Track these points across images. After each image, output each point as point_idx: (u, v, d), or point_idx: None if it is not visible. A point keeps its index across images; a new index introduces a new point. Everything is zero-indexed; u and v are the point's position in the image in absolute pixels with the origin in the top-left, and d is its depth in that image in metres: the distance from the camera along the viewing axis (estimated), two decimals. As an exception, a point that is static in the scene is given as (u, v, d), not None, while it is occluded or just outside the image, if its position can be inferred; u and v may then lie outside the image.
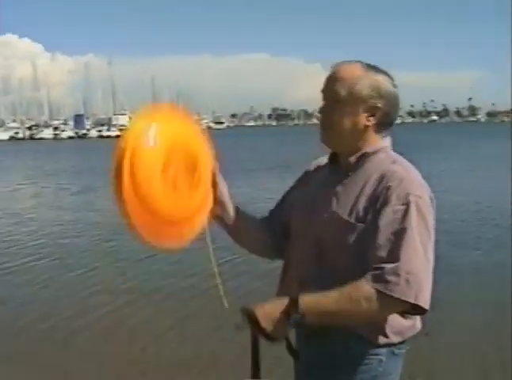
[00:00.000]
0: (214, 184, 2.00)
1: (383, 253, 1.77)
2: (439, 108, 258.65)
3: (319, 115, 2.01)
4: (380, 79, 1.95)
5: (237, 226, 2.09)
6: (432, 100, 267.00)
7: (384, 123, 1.98)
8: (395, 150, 2.05)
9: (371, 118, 1.95)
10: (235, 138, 69.00)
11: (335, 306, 1.76)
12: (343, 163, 2.00)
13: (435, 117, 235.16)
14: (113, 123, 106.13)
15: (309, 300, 1.76)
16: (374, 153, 1.96)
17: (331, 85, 1.95)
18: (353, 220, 1.87)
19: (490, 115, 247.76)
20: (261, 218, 2.19)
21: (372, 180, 1.89)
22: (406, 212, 1.79)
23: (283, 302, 1.77)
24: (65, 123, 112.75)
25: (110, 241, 10.52)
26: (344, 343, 1.89)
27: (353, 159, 1.97)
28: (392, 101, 1.97)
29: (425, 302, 1.76)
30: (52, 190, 20.62)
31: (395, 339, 1.91)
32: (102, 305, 6.82)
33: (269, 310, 1.78)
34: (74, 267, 8.72)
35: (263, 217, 2.20)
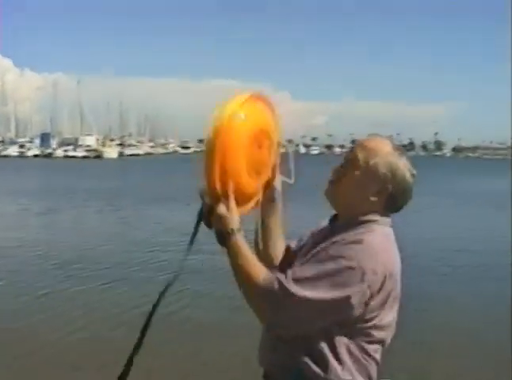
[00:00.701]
0: (273, 178, 2.12)
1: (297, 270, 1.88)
2: (405, 142, 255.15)
3: (333, 168, 2.05)
4: (401, 164, 1.97)
5: (270, 227, 2.18)
6: (398, 134, 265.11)
7: (389, 207, 1.99)
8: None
9: (377, 196, 1.97)
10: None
11: (244, 258, 1.88)
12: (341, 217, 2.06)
13: None
14: (80, 143, 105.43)
15: (241, 240, 1.90)
16: (365, 223, 1.97)
17: (355, 150, 1.99)
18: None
19: (455, 150, 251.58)
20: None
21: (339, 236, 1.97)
22: (328, 257, 1.85)
23: (234, 219, 1.90)
24: (31, 141, 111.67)
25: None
26: None
27: (340, 222, 2.02)
28: (403, 189, 1.98)
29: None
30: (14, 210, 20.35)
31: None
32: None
33: (221, 213, 1.90)
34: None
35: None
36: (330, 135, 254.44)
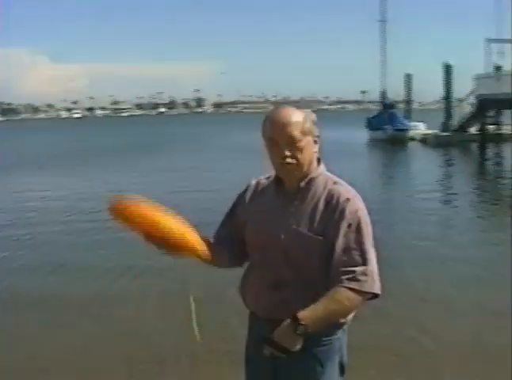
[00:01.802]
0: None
1: (350, 259, 2.27)
2: (166, 100, 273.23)
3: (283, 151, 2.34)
4: (310, 114, 2.40)
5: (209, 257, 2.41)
6: (159, 93, 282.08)
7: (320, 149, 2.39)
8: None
9: (316, 146, 2.41)
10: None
11: (326, 312, 2.27)
12: (291, 187, 2.41)
13: (163, 109, 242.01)
14: None
15: (305, 314, 2.23)
16: (317, 177, 2.41)
17: (284, 130, 2.32)
18: (312, 234, 2.34)
19: (216, 106, 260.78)
20: (214, 242, 2.50)
21: (321, 200, 2.36)
22: (358, 225, 2.30)
23: (288, 323, 2.23)
24: None
25: None
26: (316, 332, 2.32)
27: (302, 184, 2.39)
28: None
29: (381, 289, 2.35)
30: None
31: (347, 320, 2.46)
32: None
33: (282, 332, 2.25)
34: None
35: (215, 241, 2.52)
36: (91, 98, 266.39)
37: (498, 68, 34.12)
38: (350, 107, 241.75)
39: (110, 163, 27.60)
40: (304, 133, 2.34)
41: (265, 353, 2.31)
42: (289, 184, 2.43)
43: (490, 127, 34.93)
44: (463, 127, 36.62)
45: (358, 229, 2.32)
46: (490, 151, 31.75)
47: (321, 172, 2.45)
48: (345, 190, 2.38)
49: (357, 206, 2.35)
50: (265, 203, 2.49)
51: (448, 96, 39.03)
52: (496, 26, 38.90)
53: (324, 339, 2.42)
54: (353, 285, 2.26)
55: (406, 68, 58.28)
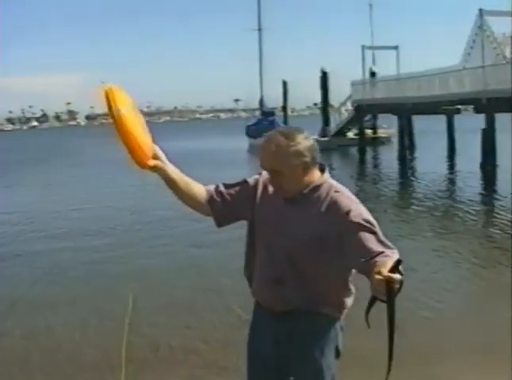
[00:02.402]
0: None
1: (378, 247, 2.40)
2: (38, 114, 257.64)
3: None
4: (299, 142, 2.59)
5: (174, 181, 2.65)
6: (30, 106, 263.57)
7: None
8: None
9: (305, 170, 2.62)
10: None
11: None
12: (295, 194, 2.63)
13: (35, 123, 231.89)
14: None
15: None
16: (322, 184, 2.63)
17: (265, 162, 2.61)
18: (312, 236, 2.55)
19: (89, 118, 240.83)
20: (206, 188, 2.74)
21: (324, 206, 2.58)
22: (371, 223, 2.50)
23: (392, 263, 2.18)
24: None
25: None
26: (310, 320, 2.60)
27: (306, 191, 2.61)
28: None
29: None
30: None
31: (342, 314, 2.70)
32: None
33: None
34: None
35: (208, 188, 2.75)
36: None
37: (372, 74, 35.43)
38: (223, 115, 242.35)
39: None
40: (290, 164, 2.56)
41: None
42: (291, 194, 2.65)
43: (368, 131, 36.18)
44: (341, 132, 37.75)
45: (372, 227, 2.50)
46: (368, 154, 32.95)
47: (325, 180, 2.67)
48: (346, 198, 2.60)
49: (359, 210, 2.55)
50: (273, 205, 2.69)
51: (325, 103, 40.06)
52: (371, 33, 40.30)
53: (325, 322, 2.68)
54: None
55: (283, 75, 59.13)
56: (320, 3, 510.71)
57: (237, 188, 2.78)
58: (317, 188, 2.63)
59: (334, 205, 2.57)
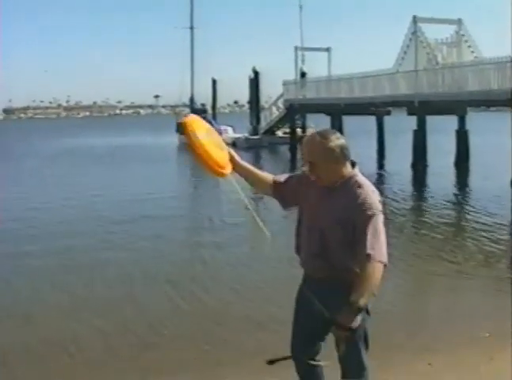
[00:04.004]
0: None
1: (369, 245, 3.08)
2: None
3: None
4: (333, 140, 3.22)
5: (246, 176, 3.49)
6: None
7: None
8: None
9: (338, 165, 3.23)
10: None
11: (373, 282, 3.08)
12: (330, 184, 3.26)
13: None
14: None
15: (355, 296, 3.02)
16: (352, 177, 3.26)
17: (307, 156, 3.25)
18: (338, 222, 3.19)
19: (6, 112, 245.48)
20: (274, 178, 3.53)
21: (349, 196, 3.19)
22: (376, 220, 3.13)
23: (351, 308, 3.04)
24: None
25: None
26: (341, 285, 3.20)
27: (338, 183, 3.24)
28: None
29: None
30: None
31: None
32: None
33: (345, 315, 3.08)
34: None
35: (274, 177, 3.54)
36: None
37: (303, 74, 35.75)
38: (143, 112, 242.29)
39: None
40: (324, 158, 3.20)
41: (337, 334, 3.17)
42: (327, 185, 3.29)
43: (298, 130, 36.53)
44: (270, 130, 38.05)
45: (376, 224, 3.16)
46: (299, 152, 33.29)
47: (354, 174, 3.29)
48: (366, 193, 3.21)
49: (375, 205, 3.19)
50: (313, 194, 3.35)
51: (257, 101, 40.22)
52: (301, 35, 40.64)
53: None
54: (378, 258, 3.12)
55: (212, 74, 59.13)
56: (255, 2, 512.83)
57: (292, 179, 3.50)
58: (348, 180, 3.25)
59: (355, 197, 3.18)
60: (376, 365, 3.70)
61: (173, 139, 39.59)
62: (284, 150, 34.13)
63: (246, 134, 38.67)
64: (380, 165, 25.58)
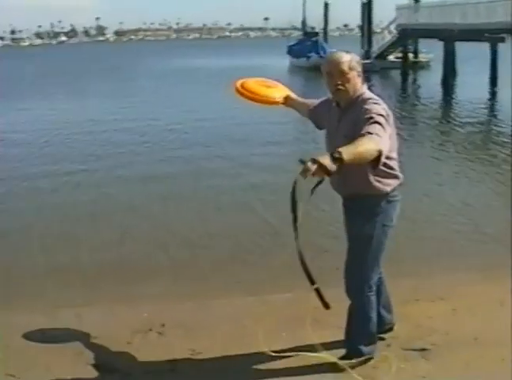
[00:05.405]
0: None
1: (369, 130, 3.22)
2: (67, 29, 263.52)
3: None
4: (354, 56, 3.60)
5: (294, 106, 4.22)
6: (59, 21, 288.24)
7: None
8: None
9: (359, 78, 3.56)
10: None
11: (365, 147, 3.14)
12: (344, 104, 3.60)
13: (64, 38, 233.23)
14: None
15: (344, 148, 3.11)
16: (362, 94, 3.55)
17: (337, 66, 3.52)
18: (349, 136, 3.31)
19: (118, 34, 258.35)
20: (311, 103, 4.07)
21: (360, 111, 3.42)
22: (376, 120, 3.30)
23: (333, 154, 3.06)
24: None
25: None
26: (361, 200, 3.60)
27: (353, 98, 3.55)
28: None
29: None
30: None
31: (388, 189, 3.58)
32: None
33: (323, 156, 3.09)
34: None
35: (312, 103, 4.07)
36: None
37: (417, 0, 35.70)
38: (252, 34, 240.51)
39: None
40: (350, 69, 3.50)
41: (301, 160, 3.12)
42: (342, 104, 3.61)
43: (409, 55, 36.72)
44: (382, 55, 38.23)
45: (372, 123, 3.30)
46: (409, 78, 33.73)
47: (364, 91, 3.59)
48: (372, 104, 3.45)
49: (374, 111, 3.38)
50: (332, 116, 3.70)
51: (369, 25, 40.44)
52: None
53: (371, 201, 3.60)
54: (373, 131, 3.25)
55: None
56: None
57: (321, 104, 3.93)
58: (360, 96, 3.55)
59: (362, 112, 3.39)
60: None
61: (284, 61, 40.55)
62: (395, 74, 34.40)
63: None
64: (492, 93, 25.00)
